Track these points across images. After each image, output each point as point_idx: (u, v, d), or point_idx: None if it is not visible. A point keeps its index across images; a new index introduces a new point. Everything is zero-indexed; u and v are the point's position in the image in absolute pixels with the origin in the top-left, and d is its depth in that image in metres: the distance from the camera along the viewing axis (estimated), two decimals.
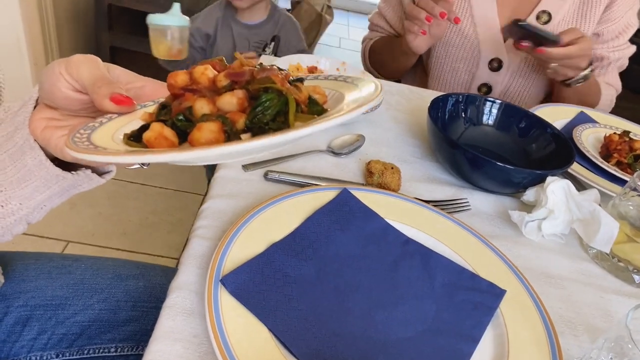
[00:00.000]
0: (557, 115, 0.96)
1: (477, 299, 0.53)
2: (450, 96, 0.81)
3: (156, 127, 0.34)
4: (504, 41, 1.05)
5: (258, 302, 0.46)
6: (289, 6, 3.06)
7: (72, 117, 0.43)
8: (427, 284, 0.54)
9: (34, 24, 1.78)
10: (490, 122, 0.83)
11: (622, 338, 0.41)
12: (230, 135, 0.33)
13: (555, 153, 0.76)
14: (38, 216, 0.48)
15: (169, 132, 0.34)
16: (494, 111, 0.83)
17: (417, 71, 1.23)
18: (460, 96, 0.82)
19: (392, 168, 0.68)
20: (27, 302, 0.64)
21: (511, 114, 0.82)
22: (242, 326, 0.44)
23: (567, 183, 0.65)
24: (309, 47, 3.04)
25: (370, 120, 0.84)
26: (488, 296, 0.54)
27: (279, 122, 0.34)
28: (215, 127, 0.33)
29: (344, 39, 3.51)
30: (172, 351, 0.43)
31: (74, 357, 0.64)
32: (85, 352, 0.65)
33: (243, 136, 0.34)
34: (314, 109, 0.37)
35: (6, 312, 0.63)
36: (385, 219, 0.60)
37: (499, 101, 0.83)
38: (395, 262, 0.56)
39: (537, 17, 1.04)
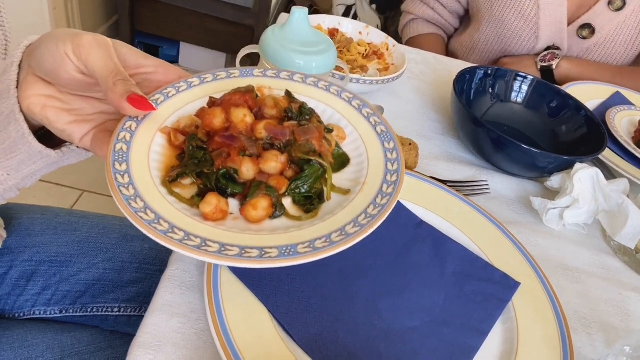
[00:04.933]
0: (591, 94, 0.91)
1: (489, 291, 0.51)
2: (479, 69, 0.76)
3: (213, 200, 0.35)
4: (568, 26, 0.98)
5: (259, 281, 0.45)
6: None
7: (72, 96, 0.40)
8: (437, 272, 0.52)
9: None
10: (519, 99, 0.78)
11: None
12: (277, 206, 0.36)
13: (586, 137, 0.71)
14: (29, 183, 0.46)
15: (224, 204, 0.36)
16: (524, 87, 0.77)
17: (461, 38, 1.15)
18: (489, 69, 0.77)
19: (410, 144, 0.65)
20: (32, 257, 0.64)
21: (543, 91, 0.77)
22: (241, 306, 0.43)
23: (596, 172, 0.61)
24: (332, 6, 2.93)
25: (390, 91, 0.80)
26: (501, 288, 0.51)
27: (316, 189, 0.38)
28: (267, 203, 0.35)
29: None
30: (168, 326, 0.42)
31: (77, 314, 0.65)
32: (89, 310, 0.65)
33: (284, 201, 0.37)
34: (339, 160, 0.41)
35: (11, 265, 0.63)
36: (399, 200, 0.57)
37: (531, 77, 0.77)
38: (406, 246, 0.54)
39: (609, 3, 0.96)
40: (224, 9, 1.92)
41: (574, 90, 0.89)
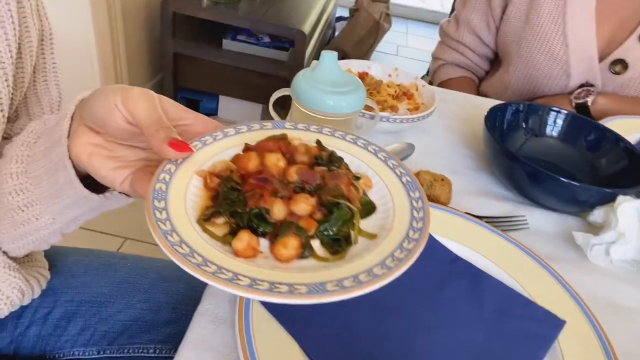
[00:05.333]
0: (630, 128, 0.88)
1: (532, 329, 0.48)
2: (510, 105, 0.76)
3: (245, 237, 0.37)
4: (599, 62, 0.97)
5: (290, 315, 0.44)
6: (347, 14, 3.06)
7: (117, 144, 0.43)
8: (476, 309, 0.50)
9: (103, 27, 1.87)
10: (555, 133, 0.76)
11: None
12: (306, 247, 0.38)
13: (628, 169, 0.68)
14: (72, 228, 0.48)
15: (255, 242, 0.37)
16: (559, 122, 0.76)
17: (492, 80, 1.16)
18: (521, 105, 0.77)
19: (443, 180, 0.64)
20: (74, 297, 0.66)
21: (579, 125, 0.75)
22: (272, 341, 0.42)
23: None
24: (365, 54, 3.02)
25: (420, 129, 0.80)
26: (544, 326, 0.49)
27: (344, 232, 0.39)
28: (297, 243, 0.37)
29: (402, 47, 3.45)
30: None
31: (114, 355, 0.65)
32: (125, 351, 0.65)
33: (313, 243, 0.39)
34: (366, 208, 0.42)
35: (54, 306, 0.65)
36: (432, 234, 0.56)
37: (565, 111, 0.76)
38: (442, 282, 0.52)
39: None
40: (260, 63, 2.02)
41: (613, 125, 0.87)
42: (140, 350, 0.65)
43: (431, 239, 0.56)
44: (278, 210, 0.38)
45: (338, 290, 0.33)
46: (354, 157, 0.46)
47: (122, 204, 0.48)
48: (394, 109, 0.79)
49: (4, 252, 0.48)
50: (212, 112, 2.31)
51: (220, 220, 0.38)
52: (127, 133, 0.41)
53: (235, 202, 0.38)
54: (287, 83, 2.33)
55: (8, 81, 0.48)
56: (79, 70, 1.93)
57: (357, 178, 0.43)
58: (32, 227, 0.45)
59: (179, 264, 0.33)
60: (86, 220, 0.48)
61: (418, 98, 0.83)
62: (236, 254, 0.36)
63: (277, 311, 0.44)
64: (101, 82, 1.96)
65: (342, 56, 2.88)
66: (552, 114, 0.76)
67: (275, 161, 0.40)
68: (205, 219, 0.38)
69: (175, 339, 0.66)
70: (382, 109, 0.78)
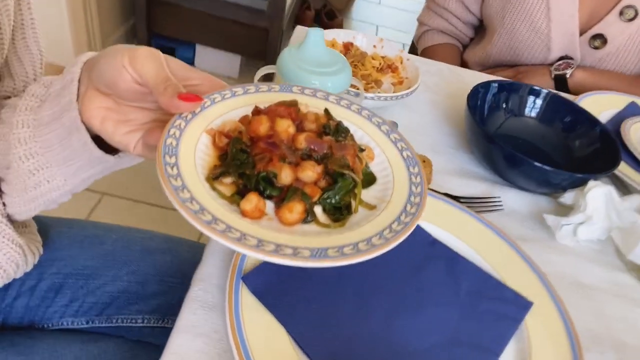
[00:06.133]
0: (606, 104, 0.90)
1: (502, 310, 0.52)
2: (492, 83, 0.77)
3: (254, 199, 0.38)
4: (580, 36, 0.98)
5: (278, 302, 0.47)
6: None
7: (127, 107, 0.43)
8: (451, 291, 0.53)
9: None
10: (533, 113, 0.78)
11: None
12: (309, 213, 0.39)
13: (601, 152, 0.71)
14: (81, 188, 0.49)
15: (262, 204, 0.38)
16: (539, 102, 0.78)
17: (475, 49, 1.15)
18: (503, 82, 0.78)
19: (424, 161, 0.66)
20: (60, 270, 0.67)
21: (557, 106, 0.77)
22: (261, 326, 0.45)
23: (609, 190, 0.62)
24: (347, 2, 2.93)
25: (405, 104, 0.81)
26: (513, 307, 0.52)
27: (345, 201, 0.41)
28: (301, 208, 0.38)
29: None
30: (192, 346, 0.44)
31: (103, 324, 0.67)
32: (114, 321, 0.68)
33: (315, 209, 0.40)
34: (367, 179, 0.44)
35: (40, 278, 0.66)
36: None
37: (545, 91, 0.78)
38: (420, 265, 0.55)
39: (621, 13, 0.96)
40: (239, 12, 1.94)
41: (589, 100, 0.89)
42: (129, 321, 0.68)
43: None
44: (285, 176, 0.39)
45: (338, 256, 0.35)
46: (357, 128, 0.47)
47: (133, 163, 0.49)
48: (377, 83, 0.79)
49: (9, 220, 0.49)
50: (188, 61, 2.23)
51: (228, 179, 0.40)
52: (136, 93, 0.41)
53: (243, 164, 0.40)
54: (266, 34, 2.25)
55: None
56: (46, 15, 1.82)
57: (362, 150, 0.45)
58: (43, 189, 0.46)
59: (189, 219, 0.34)
60: (96, 179, 0.50)
61: (402, 72, 0.83)
62: (243, 214, 0.38)
63: (265, 298, 0.46)
64: (70, 27, 1.86)
65: (323, 4, 2.78)
66: (533, 94, 0.78)
67: (286, 127, 0.41)
68: (214, 178, 0.39)
69: (163, 310, 0.68)
70: (367, 83, 0.78)
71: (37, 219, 0.70)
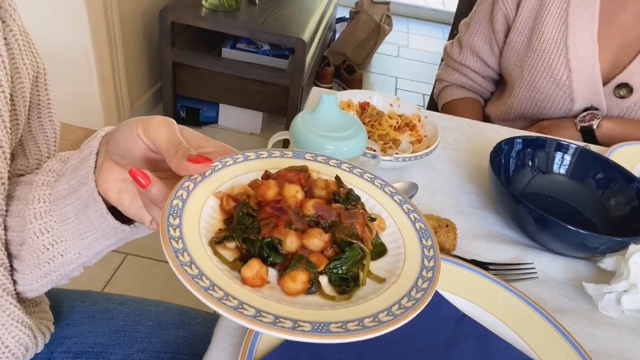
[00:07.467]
0: (638, 155, 0.85)
1: None
2: (517, 139, 0.74)
3: (256, 265, 0.36)
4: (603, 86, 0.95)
5: (295, 354, 0.43)
6: (347, 14, 3.02)
7: None
8: None
9: (102, 39, 1.85)
10: (563, 170, 0.74)
11: None
12: (314, 283, 0.37)
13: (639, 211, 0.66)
14: (94, 261, 0.49)
15: (264, 272, 0.37)
16: (567, 158, 0.74)
17: (496, 102, 1.13)
18: (528, 138, 0.74)
19: (447, 226, 0.62)
20: (70, 348, 0.64)
21: (587, 161, 0.73)
22: None
23: None
24: (366, 57, 2.99)
25: (425, 163, 0.78)
26: None
27: (353, 272, 0.38)
28: (305, 277, 0.36)
29: (403, 47, 3.42)
30: None
31: None
32: None
33: (321, 279, 0.38)
34: (377, 250, 0.42)
35: (50, 357, 0.63)
36: (438, 290, 0.54)
37: (574, 146, 0.74)
38: (448, 343, 0.50)
39: None
40: (260, 71, 1.99)
41: (621, 152, 0.85)
42: None
43: (437, 295, 0.54)
44: (291, 242, 0.38)
45: (342, 332, 0.32)
46: (369, 197, 0.46)
47: (148, 232, 0.49)
48: (395, 143, 0.77)
49: (19, 300, 0.48)
50: (212, 121, 2.29)
51: (232, 244, 0.39)
52: (151, 162, 0.42)
53: (248, 228, 0.39)
54: (287, 92, 2.30)
55: (7, 128, 0.46)
56: (78, 83, 1.90)
57: (373, 219, 0.43)
58: (57, 263, 0.46)
59: (186, 284, 0.33)
60: (109, 251, 0.49)
61: (421, 129, 0.81)
62: (244, 281, 0.36)
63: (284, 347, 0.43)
64: (100, 94, 1.94)
65: (343, 60, 2.84)
66: (560, 149, 0.74)
67: (294, 193, 0.40)
68: (217, 242, 0.38)
69: None
70: (384, 143, 0.76)
71: (51, 292, 0.69)
